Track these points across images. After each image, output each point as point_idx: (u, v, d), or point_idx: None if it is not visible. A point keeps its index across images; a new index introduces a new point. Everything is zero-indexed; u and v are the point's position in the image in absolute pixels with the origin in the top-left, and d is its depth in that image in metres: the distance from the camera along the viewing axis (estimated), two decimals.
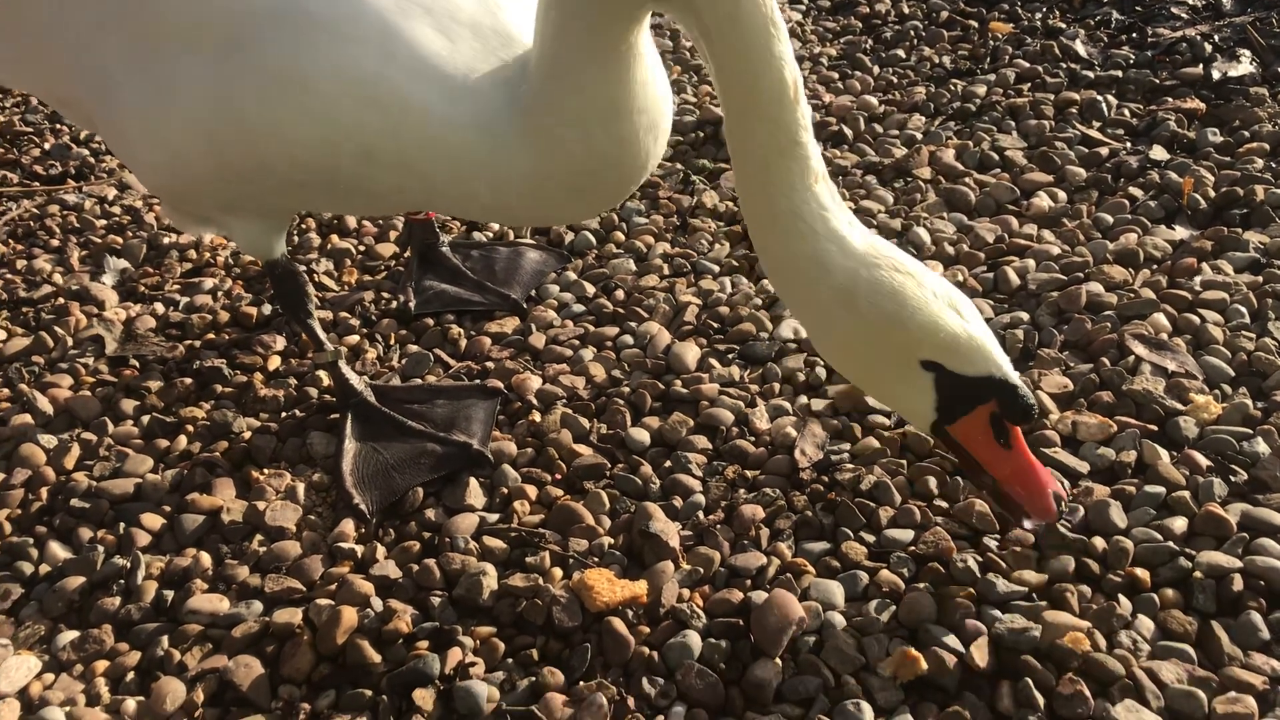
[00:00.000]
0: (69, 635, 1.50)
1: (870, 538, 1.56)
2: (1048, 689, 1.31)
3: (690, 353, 1.93)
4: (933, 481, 1.62)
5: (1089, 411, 1.71)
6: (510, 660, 1.43)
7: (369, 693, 1.38)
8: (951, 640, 1.39)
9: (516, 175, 1.41)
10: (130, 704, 1.40)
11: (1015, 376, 1.35)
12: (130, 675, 1.45)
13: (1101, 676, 1.32)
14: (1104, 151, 2.40)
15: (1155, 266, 2.04)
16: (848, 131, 2.59)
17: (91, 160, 2.82)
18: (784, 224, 1.32)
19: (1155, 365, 1.77)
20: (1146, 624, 1.40)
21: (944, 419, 1.39)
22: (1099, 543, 1.49)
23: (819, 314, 1.38)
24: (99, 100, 1.59)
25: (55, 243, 2.45)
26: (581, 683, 1.39)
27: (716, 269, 2.18)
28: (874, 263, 1.32)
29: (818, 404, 1.80)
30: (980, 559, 1.50)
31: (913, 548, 1.53)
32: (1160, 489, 1.56)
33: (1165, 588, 1.44)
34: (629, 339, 2.00)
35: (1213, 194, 2.21)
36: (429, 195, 1.50)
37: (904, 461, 1.67)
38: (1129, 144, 2.43)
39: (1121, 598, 1.43)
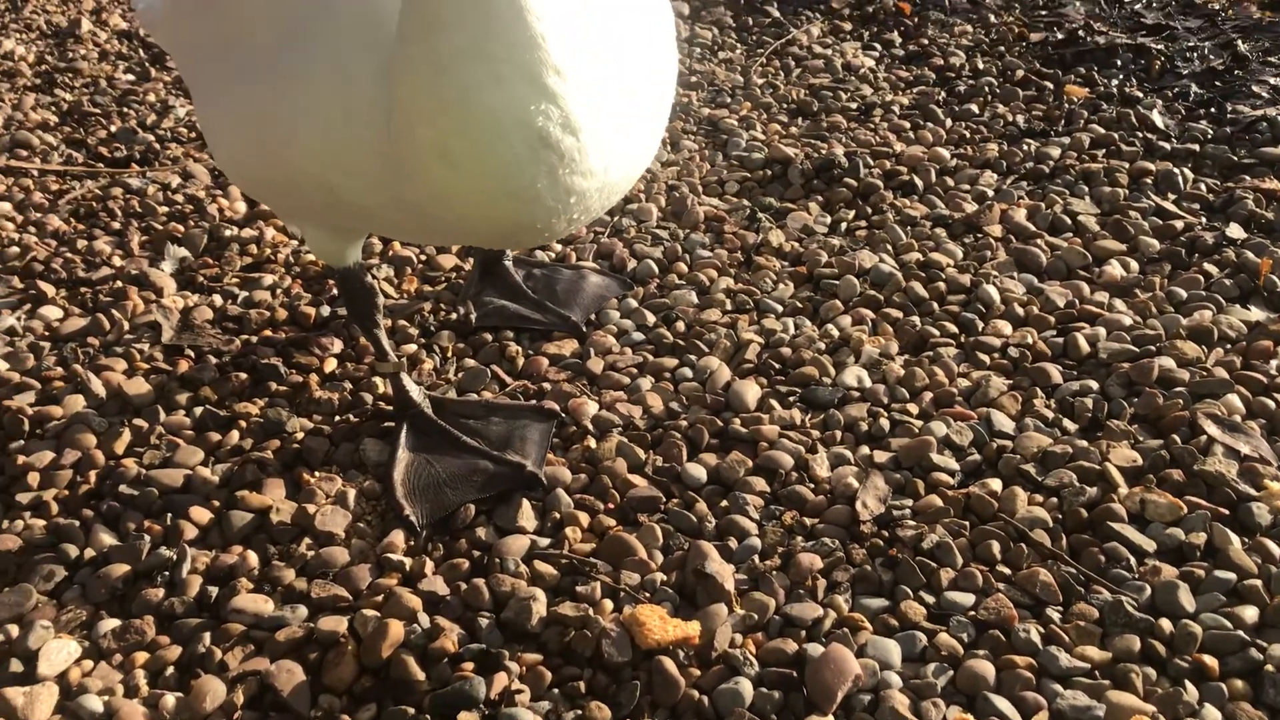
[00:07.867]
0: (110, 623, 1.48)
1: (930, 598, 1.52)
2: None
3: (750, 391, 1.90)
4: (996, 546, 1.58)
5: (1159, 489, 1.67)
6: (556, 690, 1.40)
7: (411, 710, 1.35)
8: (1010, 711, 1.35)
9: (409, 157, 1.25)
10: (169, 699, 1.37)
11: None
12: (170, 670, 1.43)
13: None
14: (1179, 225, 2.36)
15: (1229, 346, 2.00)
16: (918, 182, 2.57)
17: (157, 146, 2.82)
18: None
19: (1228, 447, 1.73)
20: (1214, 714, 1.35)
21: None
22: (1166, 625, 1.45)
23: None
24: (191, 87, 1.59)
25: (116, 225, 2.45)
26: None
27: (780, 309, 2.15)
28: None
29: (880, 456, 1.76)
30: (1043, 630, 1.46)
31: (973, 613, 1.49)
32: (1231, 575, 1.52)
33: (1234, 678, 1.39)
34: (688, 371, 1.98)
35: None
36: (383, 211, 1.41)
37: (967, 523, 1.63)
38: (1204, 219, 2.40)
39: (1188, 684, 1.38)
